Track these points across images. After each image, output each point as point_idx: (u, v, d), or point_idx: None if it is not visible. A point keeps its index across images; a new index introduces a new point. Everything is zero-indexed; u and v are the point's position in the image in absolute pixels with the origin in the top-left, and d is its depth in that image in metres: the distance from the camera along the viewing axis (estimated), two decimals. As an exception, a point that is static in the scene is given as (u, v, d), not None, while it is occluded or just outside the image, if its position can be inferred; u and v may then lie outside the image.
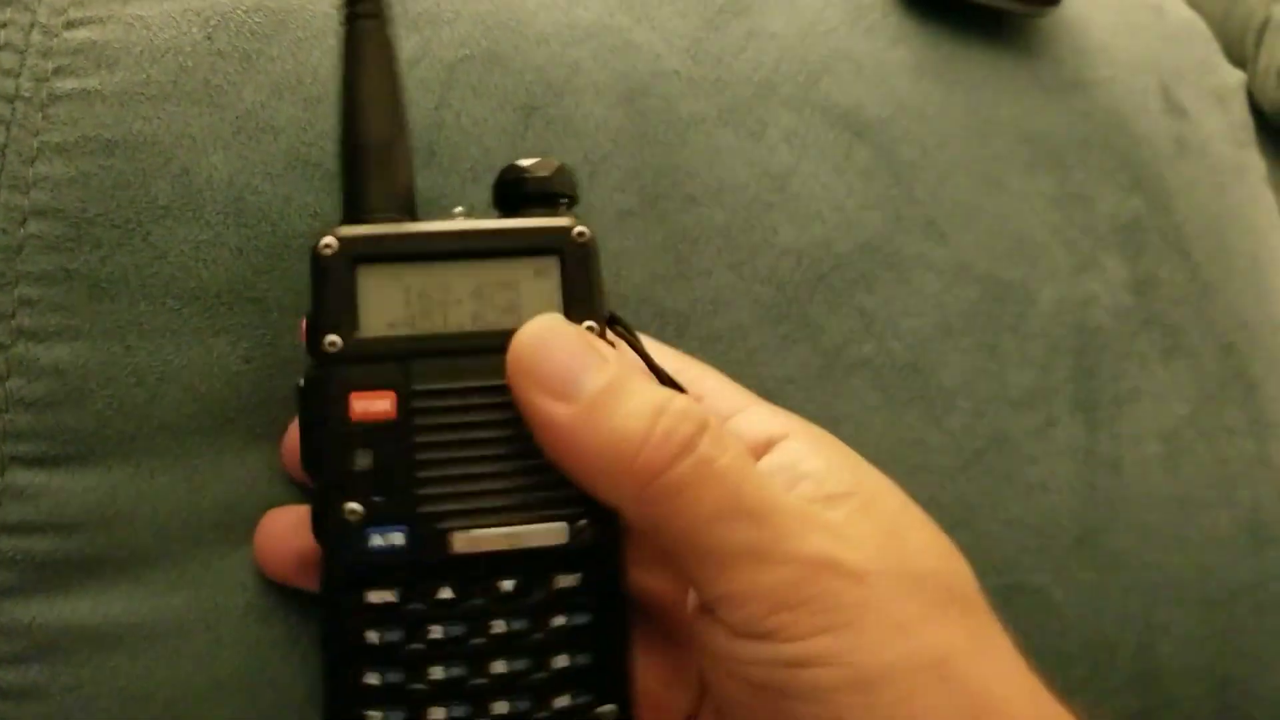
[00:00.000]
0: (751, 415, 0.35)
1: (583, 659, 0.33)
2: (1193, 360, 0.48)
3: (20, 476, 0.36)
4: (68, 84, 0.37)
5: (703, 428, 0.30)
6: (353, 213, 0.34)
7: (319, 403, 0.33)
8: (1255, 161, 0.54)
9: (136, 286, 0.37)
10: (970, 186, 0.47)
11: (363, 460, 0.32)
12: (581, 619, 0.33)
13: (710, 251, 0.43)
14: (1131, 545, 0.45)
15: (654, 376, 0.35)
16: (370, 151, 0.34)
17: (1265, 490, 0.48)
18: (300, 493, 0.38)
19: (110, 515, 0.36)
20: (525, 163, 0.35)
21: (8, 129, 0.37)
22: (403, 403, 0.32)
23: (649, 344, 0.38)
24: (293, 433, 0.38)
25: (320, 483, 0.33)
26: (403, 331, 0.33)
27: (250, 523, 0.38)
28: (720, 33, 0.45)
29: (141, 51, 0.38)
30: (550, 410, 0.31)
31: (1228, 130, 0.53)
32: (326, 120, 0.36)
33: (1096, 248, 0.48)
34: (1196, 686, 0.45)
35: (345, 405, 0.32)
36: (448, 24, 0.41)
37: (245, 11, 0.40)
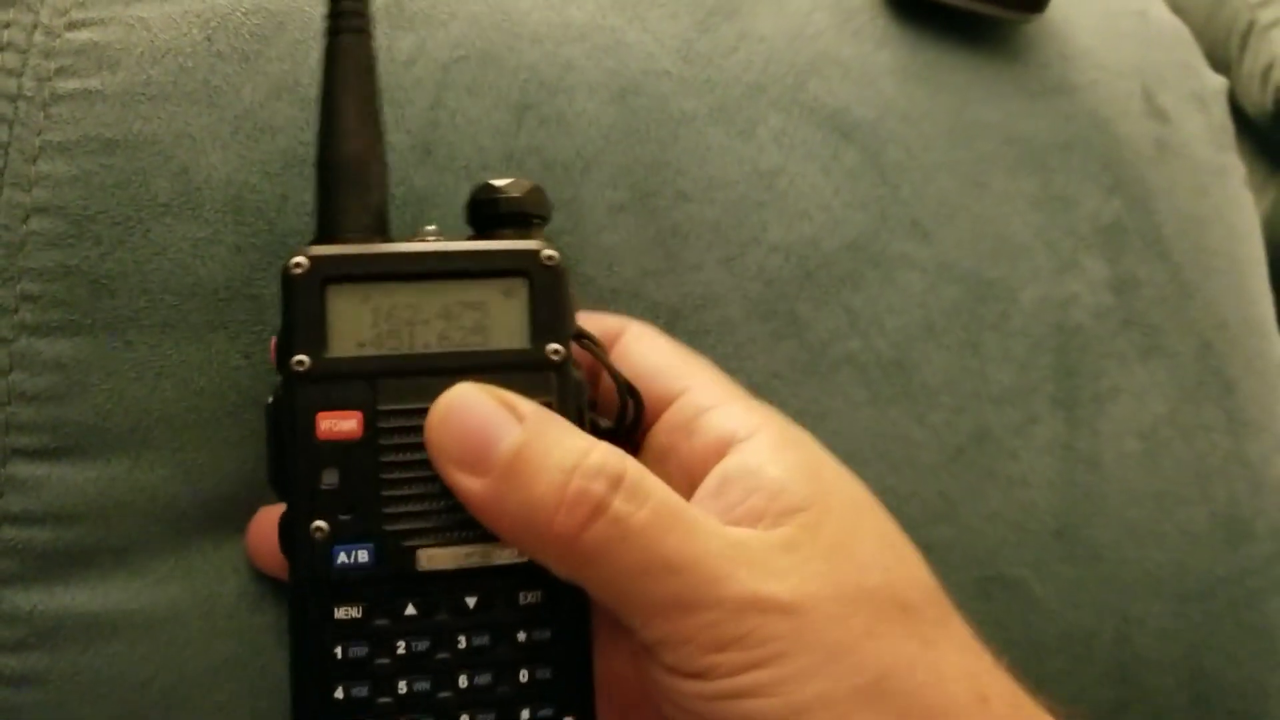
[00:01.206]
0: (725, 412, 0.36)
1: (545, 673, 0.34)
2: (1171, 359, 0.49)
3: (22, 468, 0.36)
4: (70, 84, 0.38)
5: (616, 484, 0.31)
6: (325, 230, 0.35)
7: (287, 421, 0.33)
8: (1235, 164, 0.55)
9: (136, 283, 0.38)
10: (954, 188, 0.47)
11: (329, 479, 0.33)
12: (543, 634, 0.34)
13: (700, 247, 0.43)
14: (1110, 540, 0.46)
15: (617, 386, 0.36)
16: (343, 169, 0.34)
17: (1241, 487, 0.49)
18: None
19: (109, 506, 0.37)
20: (499, 183, 0.36)
21: (10, 128, 0.37)
22: (369, 422, 0.33)
23: (645, 332, 0.39)
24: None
25: (287, 500, 0.33)
26: (370, 351, 0.33)
27: (244, 514, 0.39)
28: (711, 34, 0.46)
29: (142, 53, 0.39)
30: (465, 485, 0.32)
31: (1208, 133, 0.54)
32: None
33: (1078, 248, 0.49)
34: (1171, 678, 0.46)
35: (312, 424, 0.33)
36: (442, 25, 0.42)
37: (244, 13, 0.40)
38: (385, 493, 0.33)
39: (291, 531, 0.33)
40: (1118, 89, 0.52)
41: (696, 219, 0.40)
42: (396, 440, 0.33)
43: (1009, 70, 0.50)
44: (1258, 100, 0.59)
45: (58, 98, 0.38)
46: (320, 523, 0.33)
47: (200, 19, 0.40)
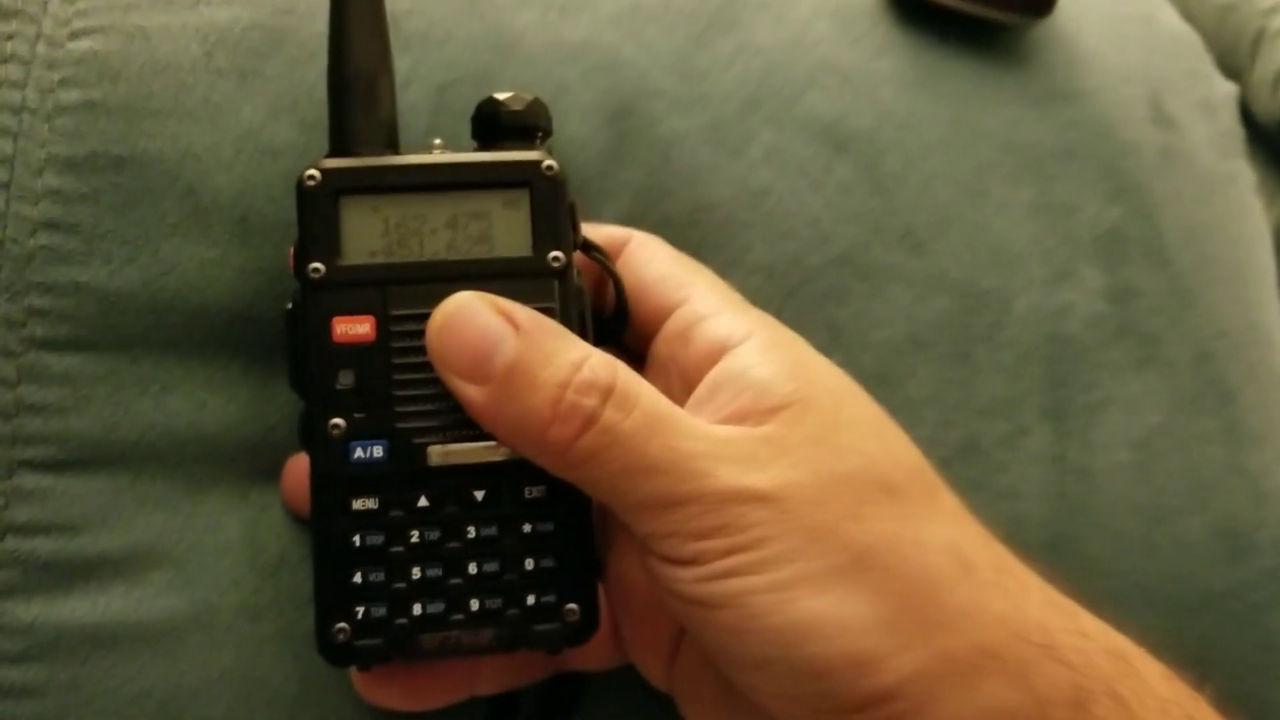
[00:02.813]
0: (720, 320, 0.37)
1: (548, 562, 0.36)
2: (1167, 369, 0.48)
3: (28, 479, 0.37)
4: (72, 95, 0.39)
5: (606, 395, 0.33)
6: (338, 145, 0.37)
7: (304, 326, 0.35)
8: (1244, 171, 0.54)
9: (144, 301, 0.39)
10: (951, 196, 0.47)
11: (345, 379, 0.35)
12: (546, 526, 0.36)
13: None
14: (1103, 552, 0.46)
15: (617, 292, 0.39)
16: (353, 85, 0.36)
17: (1240, 499, 0.48)
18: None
19: (112, 518, 0.38)
20: (501, 96, 0.38)
21: (15, 141, 0.38)
22: (381, 326, 0.35)
23: (649, 241, 0.40)
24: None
25: (307, 400, 0.35)
26: (381, 259, 0.36)
27: (243, 530, 0.39)
28: (708, 49, 0.46)
29: (142, 65, 0.39)
30: (466, 392, 0.34)
31: (1216, 140, 0.53)
32: (322, 147, 0.37)
33: (1075, 257, 0.48)
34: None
35: (328, 328, 0.35)
36: (438, 45, 0.42)
37: (242, 29, 0.41)
38: (397, 393, 0.35)
39: (311, 428, 0.35)
40: (1123, 95, 0.52)
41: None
42: (407, 344, 0.35)
43: (1011, 76, 0.50)
44: (1268, 107, 0.58)
45: (61, 109, 0.39)
46: (337, 420, 0.35)
47: (199, 33, 0.40)
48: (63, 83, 0.39)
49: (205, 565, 0.39)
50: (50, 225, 0.38)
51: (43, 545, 0.37)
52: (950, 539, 0.34)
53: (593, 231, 0.39)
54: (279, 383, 0.39)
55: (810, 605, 0.32)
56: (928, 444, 0.36)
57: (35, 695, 0.37)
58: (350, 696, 0.38)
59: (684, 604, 0.33)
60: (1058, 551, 0.45)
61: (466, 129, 0.38)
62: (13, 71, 0.39)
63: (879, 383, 0.38)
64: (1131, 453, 0.47)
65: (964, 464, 0.45)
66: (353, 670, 0.37)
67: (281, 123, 0.40)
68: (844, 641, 0.32)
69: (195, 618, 0.38)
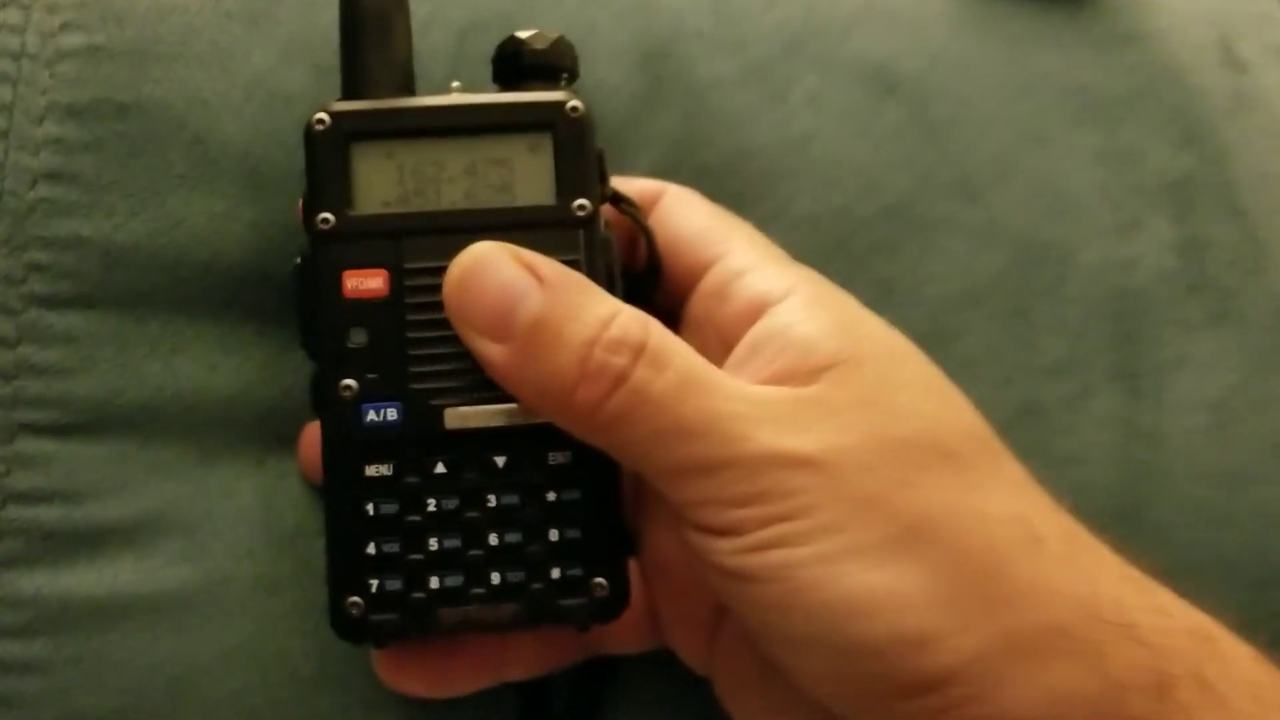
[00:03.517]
0: (760, 275, 0.35)
1: (574, 533, 0.34)
2: (1243, 326, 0.46)
3: (29, 444, 0.36)
4: (74, 39, 0.37)
5: (637, 353, 0.31)
6: (349, 87, 0.35)
7: (313, 281, 0.34)
8: (1320, 116, 0.52)
9: (150, 256, 0.37)
10: (1009, 143, 0.45)
11: (357, 338, 0.34)
12: (572, 495, 0.34)
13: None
14: (1177, 521, 0.43)
15: (649, 248, 0.37)
16: (367, 22, 0.35)
17: (1322, 463, 0.46)
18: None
19: (119, 485, 0.37)
20: (523, 34, 0.36)
21: (14, 88, 0.37)
22: (395, 281, 0.34)
23: (685, 195, 0.38)
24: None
25: (316, 360, 0.34)
26: (396, 209, 0.34)
27: (258, 498, 0.38)
28: (748, -14, 0.44)
29: (148, 8, 0.38)
30: (486, 351, 0.32)
31: (1291, 85, 0.51)
32: (337, 93, 0.35)
33: (1143, 207, 0.46)
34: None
35: (338, 283, 0.34)
36: (460, -13, 0.41)
37: (253, -31, 0.39)
38: (412, 352, 0.33)
39: (321, 391, 0.34)
40: (1191, 38, 0.49)
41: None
42: (423, 299, 0.33)
43: (1072, 17, 0.47)
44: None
45: (62, 54, 0.37)
46: (349, 381, 0.33)
47: None
48: (64, 27, 0.38)
49: (218, 535, 0.37)
50: (51, 176, 0.37)
51: (46, 514, 0.36)
52: (1015, 509, 0.32)
53: (624, 185, 0.37)
54: (295, 344, 0.37)
55: (861, 579, 0.30)
56: (985, 406, 0.35)
57: (40, 671, 0.35)
58: (373, 676, 0.36)
59: (723, 578, 0.31)
60: (1126, 521, 0.43)
61: (489, 74, 0.37)
62: (11, 15, 0.38)
63: (932, 340, 0.36)
64: (1206, 415, 0.44)
65: (1024, 427, 0.43)
66: (373, 653, 0.36)
67: (294, 67, 0.39)
68: (898, 619, 0.29)
69: (208, 590, 0.37)
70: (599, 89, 0.41)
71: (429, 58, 0.39)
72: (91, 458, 0.37)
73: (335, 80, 0.36)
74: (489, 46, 0.37)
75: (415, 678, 0.36)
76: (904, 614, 0.29)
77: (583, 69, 0.37)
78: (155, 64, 0.38)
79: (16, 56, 0.37)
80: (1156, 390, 0.44)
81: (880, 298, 0.41)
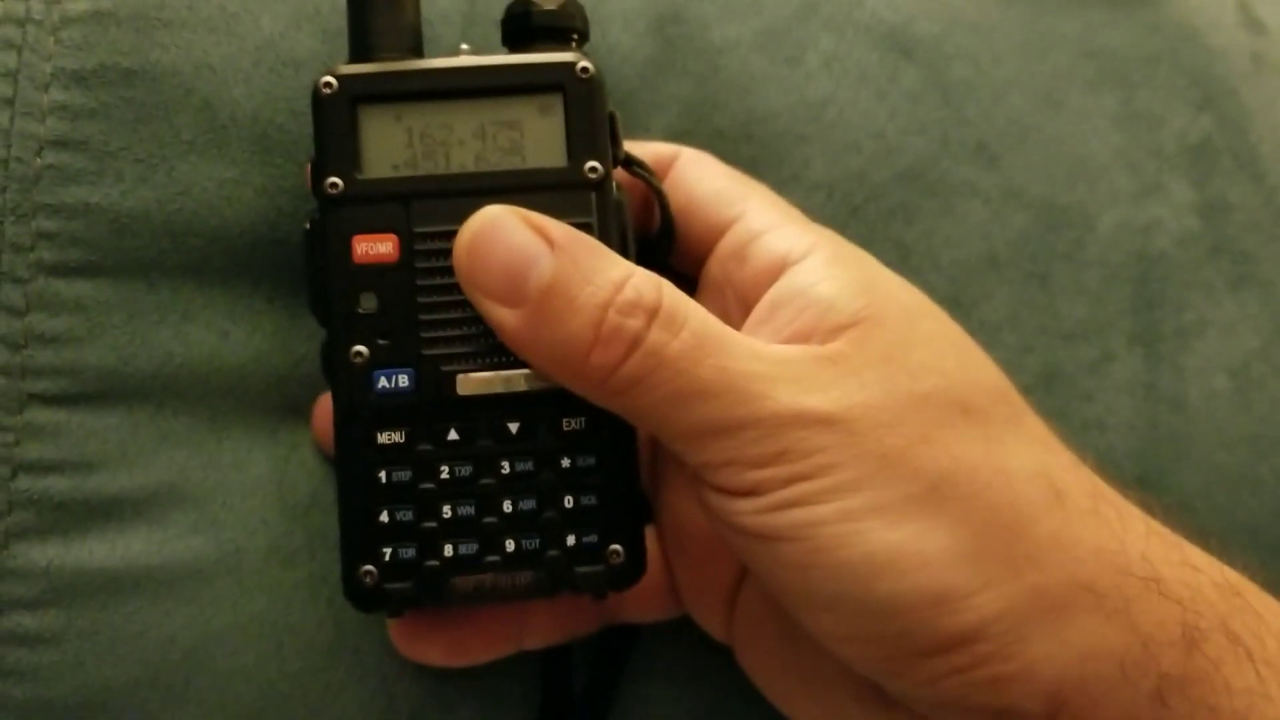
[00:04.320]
0: (778, 235, 0.35)
1: (589, 499, 0.34)
2: (1265, 289, 0.45)
3: (39, 414, 0.36)
4: (80, 4, 0.37)
5: (651, 315, 0.31)
6: (358, 51, 0.35)
7: (322, 246, 0.33)
8: (1339, 78, 0.51)
9: (159, 223, 0.37)
10: (1026, 106, 0.45)
11: (367, 303, 0.33)
12: (587, 460, 0.34)
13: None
14: (1199, 487, 0.43)
15: (662, 211, 0.36)
16: None
17: (1345, 427, 0.45)
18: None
19: (131, 455, 0.36)
20: None
21: (19, 54, 0.36)
22: (405, 245, 0.33)
23: (699, 157, 0.38)
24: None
25: (327, 327, 0.34)
26: (405, 172, 0.34)
27: (271, 468, 0.38)
28: (760, -50, 0.43)
29: None
30: (498, 315, 0.31)
31: (1310, 46, 0.51)
32: (346, 57, 0.35)
33: (1163, 170, 0.45)
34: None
35: (348, 248, 0.33)
36: (471, -53, 0.40)
37: (262, -68, 0.39)
38: (423, 317, 0.33)
39: (332, 357, 0.34)
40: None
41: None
42: (433, 264, 0.33)
43: (1089, -22, 0.47)
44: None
45: (68, 20, 0.36)
46: (359, 347, 0.33)
47: None
48: (70, -9, 0.37)
49: (231, 506, 0.37)
50: (58, 143, 0.36)
51: (57, 484, 0.36)
52: (1039, 464, 0.31)
53: (638, 148, 0.37)
54: (306, 311, 0.37)
55: (884, 537, 0.29)
56: (1006, 371, 0.35)
57: (53, 642, 0.35)
58: (390, 646, 0.36)
59: (744, 538, 0.31)
60: (1149, 486, 0.42)
61: (500, 37, 0.36)
62: (15, -19, 0.37)
63: (952, 306, 0.36)
64: (1229, 379, 0.44)
65: (1045, 392, 0.43)
66: (389, 622, 0.36)
67: (303, 32, 0.38)
68: (922, 577, 0.29)
69: (222, 561, 0.37)
70: (612, 53, 0.41)
71: (439, 21, 0.39)
72: (102, 427, 0.36)
73: (344, 44, 0.35)
74: (499, 9, 0.37)
75: (432, 647, 0.36)
76: (927, 572, 0.29)
77: (595, 33, 0.37)
78: (162, 29, 0.37)
79: (21, 22, 0.36)
80: (1177, 355, 0.44)
81: (898, 263, 0.41)
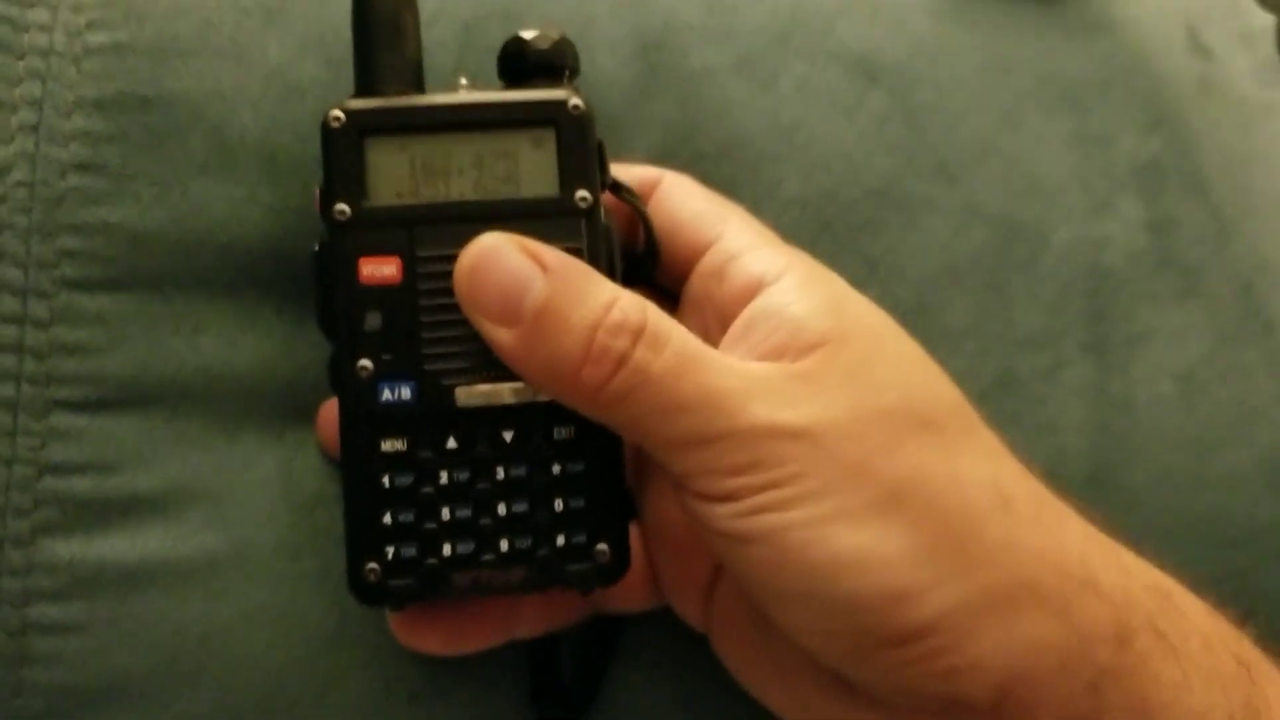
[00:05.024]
0: (755, 256, 0.37)
1: (578, 502, 0.36)
2: (1209, 301, 0.47)
3: (63, 419, 0.37)
4: (99, 37, 0.38)
5: (637, 335, 0.32)
6: (363, 84, 0.36)
7: (331, 267, 0.35)
8: (1283, 102, 0.53)
9: (174, 240, 0.39)
10: (986, 127, 0.47)
11: (372, 321, 0.35)
12: (576, 467, 0.36)
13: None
14: (1146, 485, 0.45)
15: (646, 232, 0.38)
16: (378, 21, 0.36)
17: (1286, 430, 0.47)
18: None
19: (148, 456, 0.38)
20: (527, 34, 0.37)
21: (44, 84, 0.38)
22: (408, 268, 0.35)
23: (681, 181, 0.40)
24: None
25: (335, 341, 0.36)
26: (408, 200, 0.35)
27: (278, 468, 0.39)
28: (738, -20, 0.45)
29: (168, 5, 0.39)
30: (495, 335, 0.33)
31: (1254, 70, 0.52)
32: (349, 84, 0.37)
33: (1114, 189, 0.48)
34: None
35: (355, 269, 0.35)
36: (464, -19, 0.42)
37: (267, -34, 0.40)
38: (424, 334, 0.35)
39: (339, 370, 0.35)
40: (1159, 26, 0.51)
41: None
42: (434, 285, 0.35)
43: (1045, 7, 0.49)
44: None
45: (89, 52, 0.38)
46: (365, 361, 0.35)
47: None
48: (90, 25, 0.39)
49: (241, 503, 0.39)
50: (80, 167, 0.38)
51: (79, 484, 0.37)
52: (988, 473, 0.34)
53: (623, 172, 0.39)
54: (311, 321, 0.38)
55: (847, 540, 0.31)
56: (965, 376, 0.36)
57: (77, 631, 0.37)
58: (389, 635, 0.38)
59: (720, 540, 0.33)
60: (1099, 485, 0.45)
61: (494, 66, 0.38)
62: (40, 15, 0.39)
63: (916, 315, 0.38)
64: (1174, 384, 0.46)
65: (1002, 396, 0.44)
66: (390, 614, 0.37)
67: (309, 60, 0.40)
68: (881, 576, 0.31)
69: (232, 554, 0.38)
70: (598, 78, 0.42)
71: (436, 49, 0.41)
72: (121, 431, 0.38)
73: (348, 72, 0.37)
74: (493, 39, 0.38)
75: (430, 636, 0.37)
76: (886, 571, 0.31)
77: (583, 59, 0.38)
78: (176, 59, 0.39)
79: (46, 54, 0.38)
80: (1127, 361, 0.46)
81: (866, 275, 0.43)
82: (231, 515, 0.39)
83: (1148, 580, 0.34)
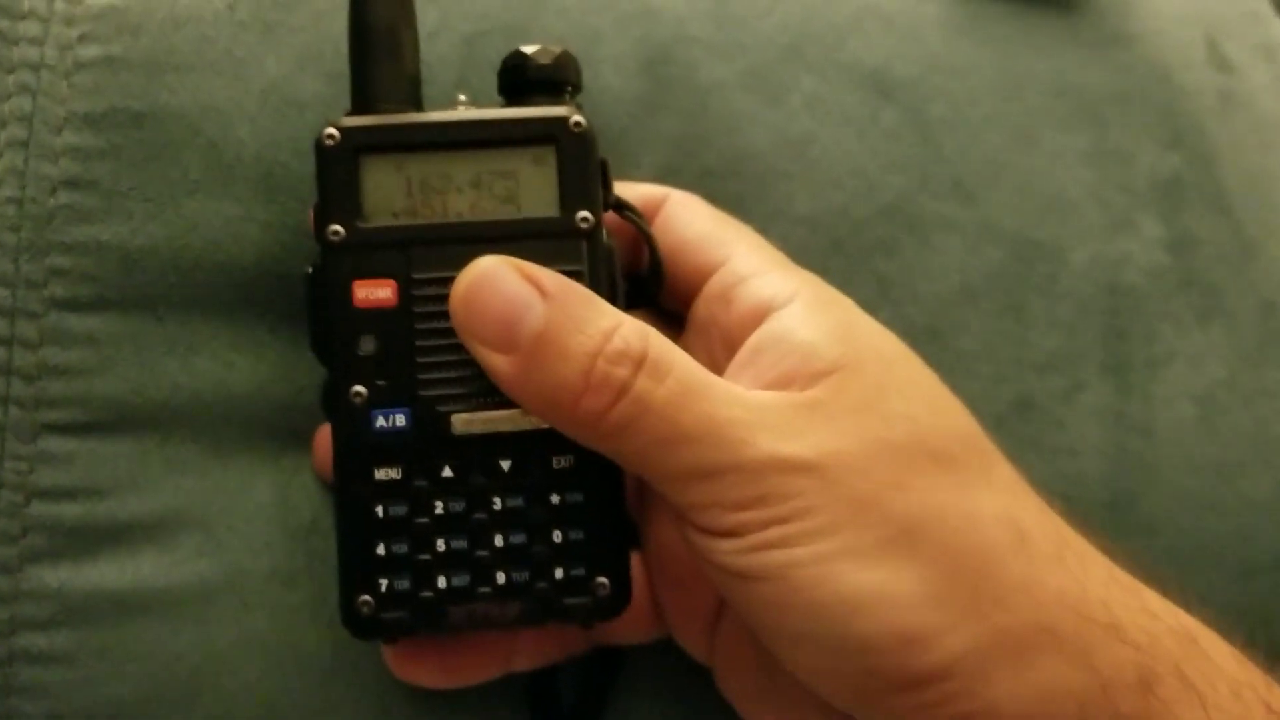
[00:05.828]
0: (763, 280, 0.36)
1: (577, 534, 0.35)
2: (1231, 321, 0.47)
3: (53, 443, 0.37)
4: (91, 51, 0.38)
5: (639, 364, 0.32)
6: (359, 102, 0.35)
7: (324, 290, 0.34)
8: (1305, 117, 0.52)
9: (167, 259, 0.38)
10: (1001, 144, 0.46)
11: (366, 346, 0.34)
12: (575, 497, 0.35)
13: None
14: (1167, 510, 0.44)
15: (651, 253, 0.37)
16: (375, 36, 0.35)
17: (1308, 454, 0.46)
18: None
19: (140, 481, 0.37)
20: (528, 49, 0.36)
21: (34, 98, 0.37)
22: (404, 291, 0.34)
23: (688, 200, 0.39)
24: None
25: (328, 367, 0.35)
26: (404, 220, 0.35)
27: (274, 494, 0.39)
28: (745, -6, 0.45)
29: (164, 18, 0.38)
30: (492, 362, 0.33)
31: (1276, 84, 0.52)
32: (348, 99, 0.36)
33: (1133, 206, 0.47)
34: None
35: (348, 293, 0.34)
36: (468, -5, 0.41)
37: (265, -20, 0.40)
38: (420, 359, 0.34)
39: (333, 397, 0.34)
40: (1179, 38, 0.50)
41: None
42: (430, 309, 0.34)
43: (1061, 19, 0.48)
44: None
45: (81, 66, 0.38)
46: (359, 388, 0.34)
47: None
48: (82, 38, 0.38)
49: (236, 529, 0.38)
50: (70, 183, 0.37)
51: (69, 510, 0.37)
52: (1005, 510, 0.32)
53: (628, 190, 0.38)
54: (308, 343, 0.38)
55: (856, 579, 0.31)
56: (981, 400, 0.35)
57: (65, 662, 0.36)
58: (385, 666, 0.37)
59: (725, 576, 0.32)
60: (1118, 510, 0.44)
61: (494, 80, 0.37)
62: (31, 28, 0.38)
63: (930, 336, 0.37)
64: (1195, 407, 0.45)
65: (1019, 420, 0.44)
66: (384, 647, 0.37)
67: (307, 75, 0.39)
68: (892, 617, 0.30)
69: (226, 583, 0.38)
70: (603, 94, 0.42)
71: (437, 64, 0.40)
72: (112, 455, 0.37)
73: (346, 87, 0.36)
74: (494, 53, 0.38)
75: (425, 670, 0.37)
76: (897, 612, 0.30)
77: (587, 74, 0.38)
78: (171, 73, 0.38)
79: (36, 68, 0.37)
80: (1146, 384, 0.45)
81: (879, 295, 0.43)
82: (225, 542, 0.38)
83: (1173, 623, 0.33)
